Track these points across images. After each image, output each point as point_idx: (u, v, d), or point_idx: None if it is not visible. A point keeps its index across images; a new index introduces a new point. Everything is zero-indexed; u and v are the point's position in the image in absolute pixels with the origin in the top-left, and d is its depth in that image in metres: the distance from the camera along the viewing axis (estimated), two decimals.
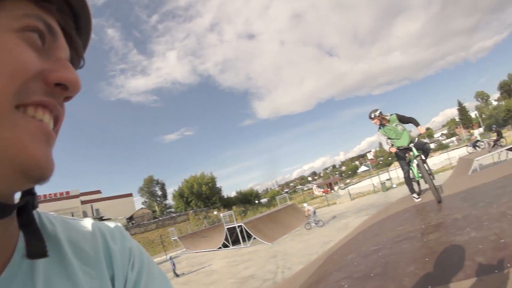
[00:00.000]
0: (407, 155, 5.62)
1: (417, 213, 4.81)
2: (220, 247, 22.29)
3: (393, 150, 5.40)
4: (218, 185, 56.81)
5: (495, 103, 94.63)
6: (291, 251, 15.66)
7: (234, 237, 22.08)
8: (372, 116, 5.53)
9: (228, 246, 21.94)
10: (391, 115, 5.61)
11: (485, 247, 2.59)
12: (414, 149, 5.29)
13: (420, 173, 5.34)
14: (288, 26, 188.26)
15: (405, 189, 24.75)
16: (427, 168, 5.21)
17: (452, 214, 3.99)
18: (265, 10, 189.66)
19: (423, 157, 5.28)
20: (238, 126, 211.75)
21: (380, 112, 5.52)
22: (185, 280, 15.65)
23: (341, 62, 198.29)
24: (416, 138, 5.64)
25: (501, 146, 17.49)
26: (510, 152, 16.37)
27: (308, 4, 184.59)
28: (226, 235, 21.86)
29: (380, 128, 5.60)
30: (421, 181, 5.73)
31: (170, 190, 64.03)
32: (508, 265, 2.17)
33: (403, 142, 5.46)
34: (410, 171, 5.71)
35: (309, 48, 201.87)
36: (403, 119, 5.58)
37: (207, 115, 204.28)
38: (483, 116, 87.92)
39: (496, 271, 2.15)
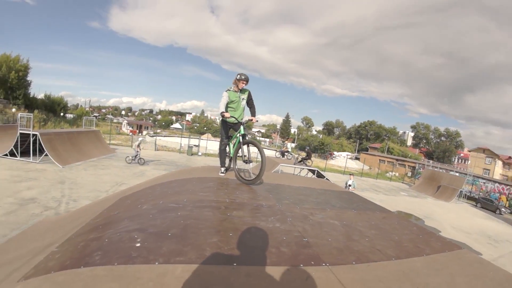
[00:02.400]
0: (231, 129, 5.96)
1: (222, 186, 5.02)
2: (6, 154, 20.12)
3: (228, 115, 5.53)
4: (29, 77, 47.93)
5: (315, 132, 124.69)
6: (81, 181, 16.06)
7: (25, 147, 20.27)
8: (244, 77, 5.67)
9: (16, 156, 19.88)
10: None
11: (289, 240, 2.79)
12: (242, 128, 5.61)
13: (236, 151, 5.76)
14: None
15: (207, 160, 27.12)
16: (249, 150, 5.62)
17: (258, 200, 4.30)
18: None
19: (250, 137, 5.65)
20: (83, 23, 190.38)
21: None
22: None
23: (215, 24, 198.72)
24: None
25: (306, 165, 21.18)
26: (310, 172, 20.00)
27: None
28: (17, 142, 19.68)
29: (232, 90, 5.75)
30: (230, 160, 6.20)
31: None
32: (312, 262, 2.40)
33: (236, 115, 5.76)
34: (227, 145, 6.08)
35: None
36: (250, 101, 5.94)
37: None
38: (300, 136, 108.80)
39: (302, 265, 2.32)
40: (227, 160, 6.25)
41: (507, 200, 38.77)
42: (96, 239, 2.61)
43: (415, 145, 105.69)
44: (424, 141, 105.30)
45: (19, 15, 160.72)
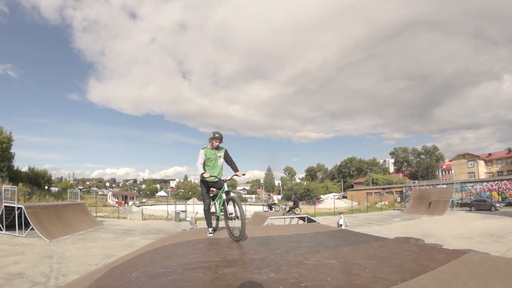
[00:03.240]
0: (212, 188, 5.92)
1: (211, 246, 4.94)
2: None
3: (207, 175, 5.47)
4: (12, 150, 48.27)
5: (298, 180, 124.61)
6: (70, 255, 15.57)
7: (10, 221, 20.02)
8: (217, 136, 5.76)
9: (1, 230, 19.98)
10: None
11: None
12: (225, 185, 5.54)
13: (223, 209, 5.66)
14: (169, 29, 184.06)
15: (197, 224, 26.43)
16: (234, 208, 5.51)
17: (249, 254, 4.19)
18: (162, 3, 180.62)
19: (233, 194, 5.59)
20: (63, 95, 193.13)
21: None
22: None
23: (189, 88, 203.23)
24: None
25: (295, 213, 21.02)
26: (300, 220, 19.76)
27: (198, 23, 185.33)
28: (2, 214, 19.59)
29: (208, 148, 5.82)
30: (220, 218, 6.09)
31: None
32: None
33: (215, 173, 5.74)
34: (213, 205, 5.98)
35: (170, 60, 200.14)
36: (228, 158, 5.99)
37: (41, 66, 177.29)
38: (285, 187, 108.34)
39: None
40: (214, 221, 6.15)
41: (498, 195, 39.38)
42: None
43: (397, 170, 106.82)
44: (406, 164, 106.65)
45: (1, 87, 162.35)
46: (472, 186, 45.33)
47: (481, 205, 36.39)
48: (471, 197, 42.60)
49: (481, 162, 76.68)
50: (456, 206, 37.83)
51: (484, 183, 44.24)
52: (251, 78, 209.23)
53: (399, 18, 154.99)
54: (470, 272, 2.80)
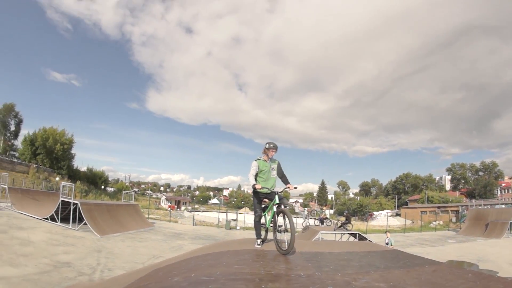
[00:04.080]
0: (265, 200, 5.75)
1: (258, 257, 4.82)
2: (47, 218, 21.12)
3: (259, 187, 5.36)
4: (73, 151, 53.92)
5: (352, 195, 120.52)
6: (118, 252, 15.82)
7: (65, 214, 21.15)
8: (273, 146, 5.63)
9: (56, 221, 20.78)
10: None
11: None
12: (277, 197, 5.35)
13: (273, 221, 5.45)
14: (224, 43, 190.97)
15: (246, 234, 26.44)
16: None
17: (295, 270, 4.03)
18: (216, 18, 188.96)
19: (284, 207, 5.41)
20: (123, 104, 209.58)
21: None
22: None
23: (245, 100, 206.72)
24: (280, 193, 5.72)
25: (346, 229, 20.37)
26: (351, 236, 19.10)
27: (252, 37, 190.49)
28: (58, 208, 20.77)
29: (261, 159, 5.68)
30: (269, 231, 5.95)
31: (24, 132, 56.52)
32: None
33: (268, 185, 5.57)
34: (263, 216, 5.81)
35: (226, 73, 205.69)
36: (280, 170, 5.80)
37: (102, 76, 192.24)
38: (338, 201, 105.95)
39: None
40: (263, 232, 6.01)
41: None
42: None
43: (454, 188, 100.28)
44: (463, 181, 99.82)
45: (65, 94, 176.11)
46: None
47: None
48: None
49: None
50: None
51: None
52: (307, 90, 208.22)
53: (453, 25, 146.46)
54: None
